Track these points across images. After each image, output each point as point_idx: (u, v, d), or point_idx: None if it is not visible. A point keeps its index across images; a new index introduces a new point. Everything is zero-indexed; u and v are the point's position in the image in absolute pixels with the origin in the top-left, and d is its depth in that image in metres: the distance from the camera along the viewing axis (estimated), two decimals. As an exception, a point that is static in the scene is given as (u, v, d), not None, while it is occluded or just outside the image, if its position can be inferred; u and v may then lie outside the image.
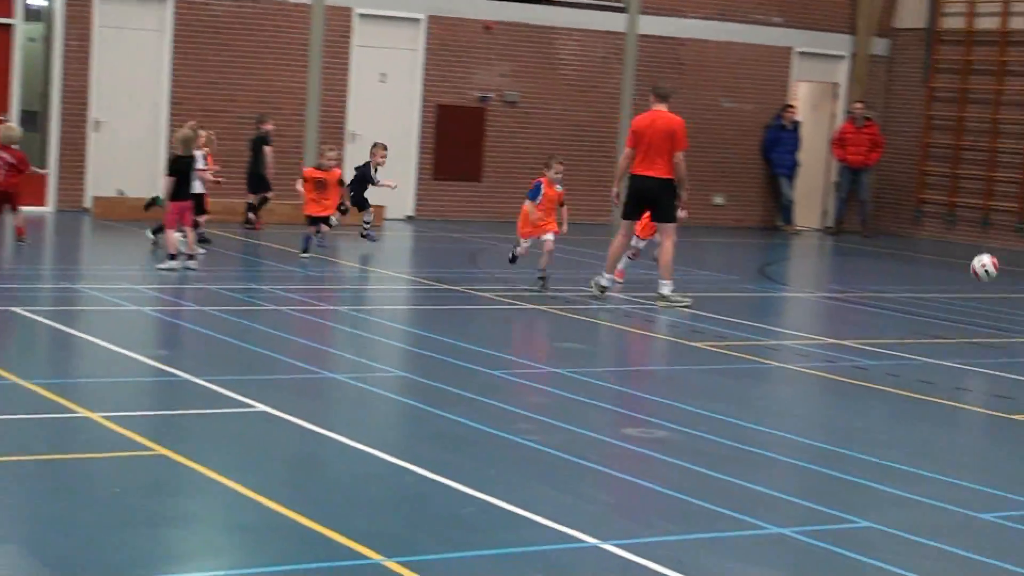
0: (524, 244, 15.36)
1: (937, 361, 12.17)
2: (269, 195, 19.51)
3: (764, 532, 6.97)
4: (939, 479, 8.15)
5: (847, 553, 6.68)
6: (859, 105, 24.79)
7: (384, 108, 22.30)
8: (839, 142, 24.89)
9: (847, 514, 7.31)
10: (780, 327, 13.91)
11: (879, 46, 25.79)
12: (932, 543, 6.88)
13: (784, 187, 25.11)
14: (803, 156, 24.89)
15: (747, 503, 7.43)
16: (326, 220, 16.95)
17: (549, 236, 15.00)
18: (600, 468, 7.96)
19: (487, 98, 22.91)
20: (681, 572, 6.22)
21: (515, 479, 7.64)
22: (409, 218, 22.55)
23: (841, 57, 25.72)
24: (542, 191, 15.03)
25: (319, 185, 16.86)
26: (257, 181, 19.45)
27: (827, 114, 26.11)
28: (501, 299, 14.23)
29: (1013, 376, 11.68)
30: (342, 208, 17.70)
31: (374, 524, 6.74)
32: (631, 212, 14.98)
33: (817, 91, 26.24)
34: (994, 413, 10.15)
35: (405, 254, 16.91)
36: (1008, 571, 6.52)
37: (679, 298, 14.54)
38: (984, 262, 14.76)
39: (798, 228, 25.12)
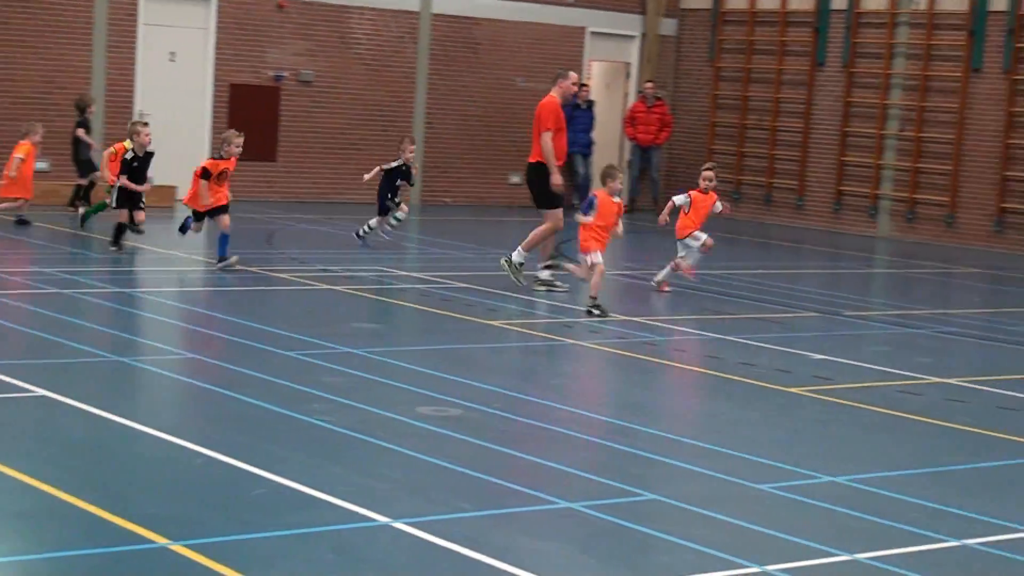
0: (589, 258, 13.71)
1: (723, 336, 12.50)
2: (94, 176, 18.99)
3: (554, 507, 7.09)
4: (722, 452, 8.39)
5: (631, 525, 6.84)
6: (650, 84, 25.24)
7: (175, 88, 21.89)
8: (630, 121, 25.31)
9: (634, 487, 7.48)
10: (574, 305, 14.10)
11: (668, 26, 26.29)
12: (711, 513, 7.09)
13: (579, 165, 25.40)
14: (597, 135, 25.24)
15: (538, 479, 7.55)
16: (222, 210, 14.74)
17: (599, 258, 13.62)
18: (393, 447, 7.99)
19: (281, 77, 22.67)
20: (473, 549, 6.29)
21: (307, 460, 7.62)
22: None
23: (632, 37, 26.14)
24: (596, 205, 13.56)
25: (222, 176, 14.82)
26: (82, 165, 19.04)
27: (620, 93, 26.52)
28: (297, 280, 14.14)
29: (793, 351, 12.07)
30: (396, 201, 17.32)
31: (159, 507, 6.65)
32: (531, 199, 15.00)
33: (610, 70, 26.64)
34: (775, 387, 10.48)
35: (199, 236, 16.65)
36: (780, 539, 6.76)
37: (559, 284, 14.65)
38: None
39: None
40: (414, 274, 15.29)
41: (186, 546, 6.08)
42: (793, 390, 10.36)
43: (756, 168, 25.46)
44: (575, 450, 8.34)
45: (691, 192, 15.41)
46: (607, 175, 13.78)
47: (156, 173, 21.43)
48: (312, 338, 11.09)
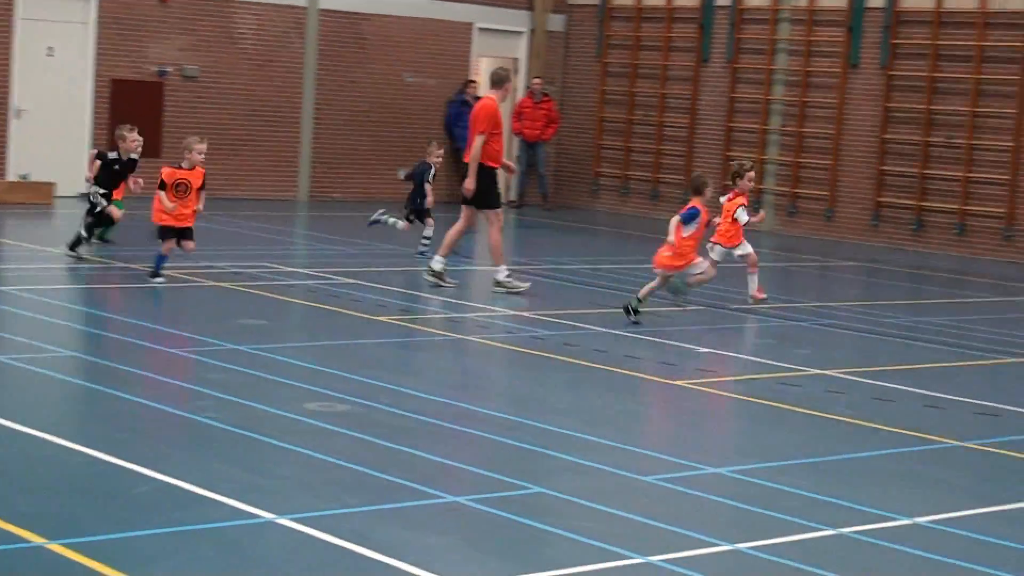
0: (697, 272, 13.66)
1: (610, 330, 12.61)
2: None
3: (441, 502, 7.11)
4: (607, 445, 8.47)
5: (518, 519, 6.89)
6: (537, 80, 25.35)
7: (53, 83, 21.53)
8: (517, 116, 25.39)
9: (521, 481, 7.53)
10: (463, 300, 14.13)
11: (556, 22, 26.41)
12: (597, 506, 7.16)
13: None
14: (485, 131, 25.26)
15: (426, 474, 7.57)
16: (186, 233, 13.75)
17: (701, 266, 13.61)
18: (280, 443, 7.96)
19: (165, 72, 22.40)
20: (359, 544, 6.29)
21: (191, 457, 7.57)
22: (83, 195, 21.84)
23: (520, 33, 26.22)
24: (700, 218, 13.36)
25: (180, 189, 13.67)
26: None
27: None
28: (183, 277, 13.99)
29: (679, 344, 12.21)
30: (409, 218, 17.00)
31: (37, 507, 6.57)
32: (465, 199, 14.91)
33: (498, 66, 26.65)
34: (661, 380, 10.60)
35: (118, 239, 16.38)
36: (664, 530, 6.85)
37: (516, 283, 14.55)
38: None
39: (481, 202, 25.48)
40: (301, 270, 15.22)
41: (64, 545, 6.01)
42: (678, 383, 10.49)
43: (643, 163, 25.68)
44: (462, 445, 8.37)
45: (735, 197, 14.79)
46: (705, 184, 13.62)
47: (33, 169, 21.17)
48: (197, 335, 10.99)
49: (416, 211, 17.11)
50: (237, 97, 23.13)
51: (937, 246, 22.09)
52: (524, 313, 13.45)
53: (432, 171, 17.18)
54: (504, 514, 6.94)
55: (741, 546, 6.64)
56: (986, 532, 7.08)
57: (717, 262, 14.74)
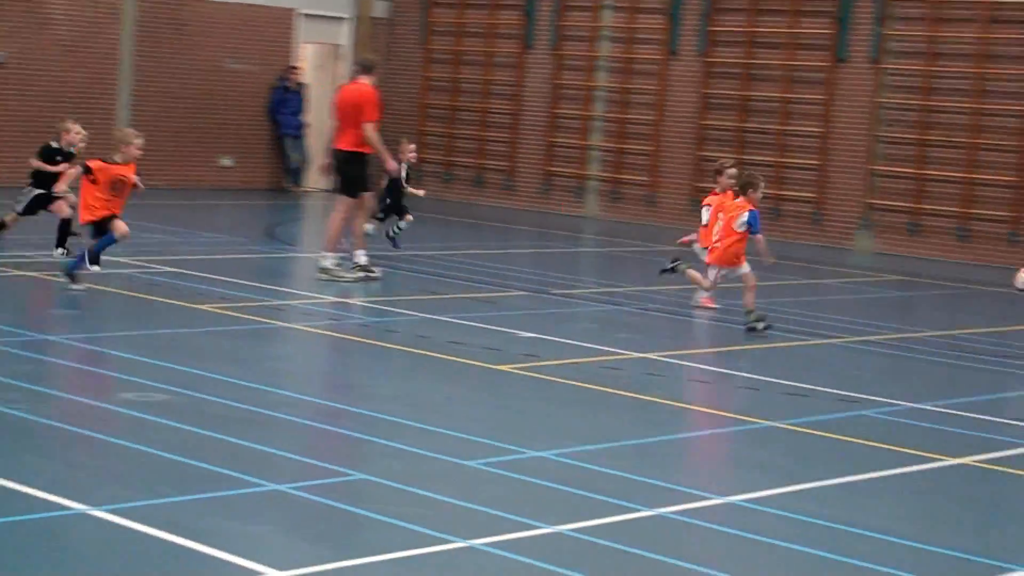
0: (716, 273, 13.28)
1: (434, 316, 12.61)
2: None
3: (261, 490, 7.03)
4: (431, 430, 8.47)
5: (340, 505, 6.85)
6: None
7: None
8: (340, 103, 25.20)
9: (343, 468, 7.49)
10: (287, 287, 14.00)
11: (380, 8, 26.29)
12: (420, 491, 7.15)
13: (290, 149, 25.21)
14: (309, 118, 25.07)
15: (246, 462, 7.48)
16: (104, 224, 12.56)
17: (746, 268, 13.09)
18: (93, 434, 7.79)
19: (-15, 58, 21.73)
20: (175, 533, 6.19)
21: (0, 451, 7.35)
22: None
23: (344, 19, 26.03)
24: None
25: (115, 186, 12.61)
26: None
27: (331, 75, 26.38)
28: (-8, 266, 13.59)
29: (503, 329, 12.27)
30: (378, 216, 16.48)
31: None
32: (337, 187, 14.78)
33: (321, 52, 26.48)
34: (484, 365, 10.64)
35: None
36: (487, 514, 6.87)
37: (343, 273, 14.35)
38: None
39: (306, 189, 25.30)
40: (119, 259, 14.88)
41: None
42: (502, 368, 10.54)
43: (467, 150, 25.73)
44: (283, 432, 8.29)
45: (707, 201, 14.13)
46: (752, 185, 13.12)
47: None
48: (4, 325, 10.68)
49: (385, 209, 16.86)
50: (49, 84, 22.50)
51: (755, 231, 22.54)
52: (349, 300, 13.38)
53: (406, 169, 16.97)
54: (326, 501, 6.90)
55: (562, 528, 6.70)
56: (797, 510, 7.26)
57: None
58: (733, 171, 14.14)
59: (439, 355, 10.85)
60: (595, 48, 24.34)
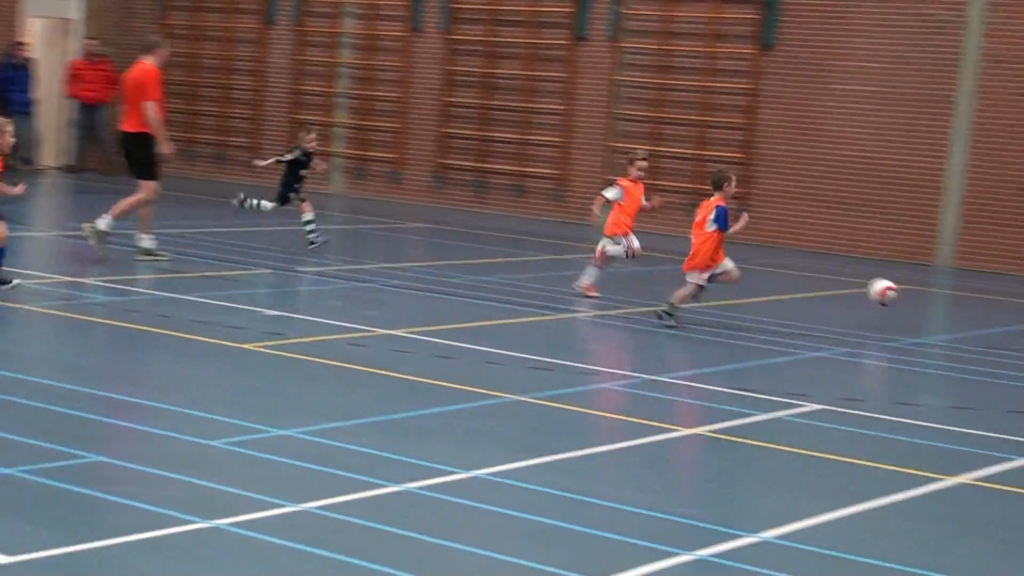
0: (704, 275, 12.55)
1: (177, 295, 12.35)
2: None
3: (-9, 476, 6.77)
4: (172, 410, 8.29)
5: (74, 488, 6.64)
6: (90, 41, 24.47)
7: None
8: (73, 79, 24.43)
9: (77, 450, 7.26)
10: (14, 267, 13.47)
11: (114, -18, 25.57)
12: (160, 472, 6.99)
13: (20, 126, 24.27)
14: (39, 94, 24.19)
15: (-26, 448, 7.19)
16: None
17: (730, 265, 12.68)
18: None
19: None
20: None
21: None
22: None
23: (76, -8, 25.21)
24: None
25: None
26: None
27: (61, 51, 25.51)
28: None
29: (247, 307, 12.10)
30: (302, 197, 15.79)
31: None
32: (129, 170, 14.65)
33: (51, 27, 25.55)
34: (228, 343, 10.47)
35: None
36: (230, 493, 6.76)
37: (162, 253, 14.31)
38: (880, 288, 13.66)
39: (38, 167, 24.43)
40: None
41: None
42: (246, 346, 10.39)
43: (209, 127, 25.25)
44: (12, 415, 7.98)
45: (621, 182, 13.88)
46: (726, 179, 12.60)
47: None
48: None
49: (282, 196, 16.11)
50: None
51: (498, 207, 22.79)
52: (84, 280, 12.98)
53: (306, 156, 16.19)
54: (60, 484, 6.68)
55: (307, 506, 6.64)
56: (539, 482, 7.36)
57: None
58: (644, 163, 13.96)
59: (181, 334, 10.63)
60: (338, 24, 24.17)
